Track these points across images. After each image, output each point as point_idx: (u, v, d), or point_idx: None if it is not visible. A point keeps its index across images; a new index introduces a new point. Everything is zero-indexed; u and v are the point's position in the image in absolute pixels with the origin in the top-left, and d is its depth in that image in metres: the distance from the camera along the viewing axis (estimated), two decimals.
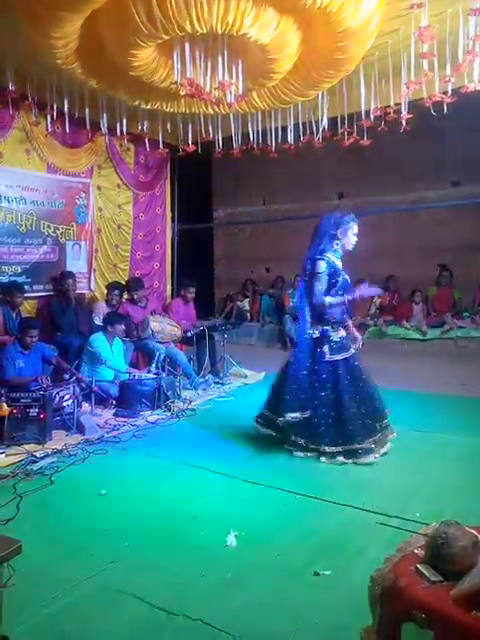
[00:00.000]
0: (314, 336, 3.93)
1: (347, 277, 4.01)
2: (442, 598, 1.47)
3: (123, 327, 5.53)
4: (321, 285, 3.90)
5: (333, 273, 3.92)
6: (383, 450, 3.86)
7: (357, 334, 4.16)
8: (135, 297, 6.41)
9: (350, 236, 3.98)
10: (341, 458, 3.77)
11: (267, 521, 2.96)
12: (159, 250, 8.26)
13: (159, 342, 5.89)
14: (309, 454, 3.85)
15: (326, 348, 3.89)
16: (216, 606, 2.20)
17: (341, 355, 3.92)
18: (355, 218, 4.03)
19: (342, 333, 3.99)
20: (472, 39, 3.87)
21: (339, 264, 3.99)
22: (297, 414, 3.84)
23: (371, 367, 4.17)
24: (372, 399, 3.97)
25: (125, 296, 6.51)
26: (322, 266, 3.89)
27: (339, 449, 3.78)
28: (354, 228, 3.99)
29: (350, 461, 3.75)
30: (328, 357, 3.88)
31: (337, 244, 3.97)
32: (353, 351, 3.99)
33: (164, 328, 5.97)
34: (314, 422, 3.83)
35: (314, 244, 4.03)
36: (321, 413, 3.83)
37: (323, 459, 3.79)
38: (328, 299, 3.88)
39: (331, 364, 3.89)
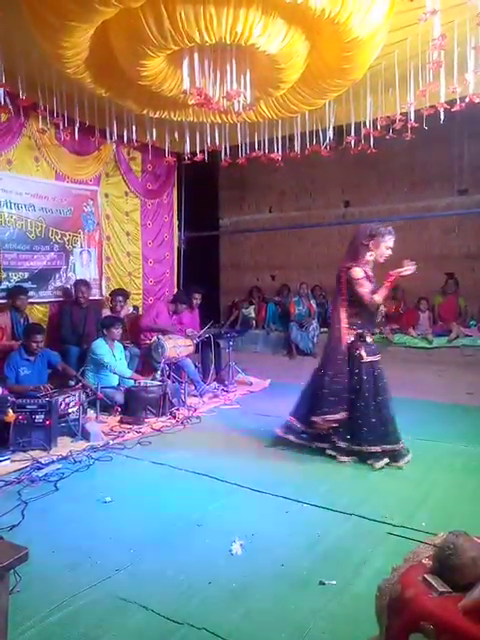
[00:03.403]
0: (350, 340, 3.99)
1: None
2: (450, 609, 1.45)
3: (120, 330, 5.55)
4: (365, 288, 3.91)
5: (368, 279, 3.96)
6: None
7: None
8: (179, 310, 6.51)
9: (383, 249, 3.96)
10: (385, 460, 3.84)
11: (272, 530, 2.94)
12: (168, 257, 8.33)
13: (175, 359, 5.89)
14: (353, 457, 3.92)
15: (363, 351, 3.95)
16: (221, 615, 2.19)
17: (375, 357, 4.02)
18: (391, 231, 3.99)
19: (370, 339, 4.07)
20: (474, 47, 3.90)
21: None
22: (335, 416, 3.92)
23: None
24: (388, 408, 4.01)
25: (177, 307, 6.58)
26: (358, 272, 3.92)
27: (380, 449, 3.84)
28: (388, 241, 3.96)
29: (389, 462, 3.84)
30: (366, 359, 3.95)
31: (370, 255, 3.97)
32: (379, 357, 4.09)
33: (180, 352, 5.92)
34: (358, 423, 3.89)
35: (348, 254, 4.07)
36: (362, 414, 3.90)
37: (369, 461, 3.84)
38: (376, 297, 3.90)
39: (368, 365, 3.97)
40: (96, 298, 6.96)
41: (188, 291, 7.06)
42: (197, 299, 6.82)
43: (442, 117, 4.54)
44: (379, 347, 4.22)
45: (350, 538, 2.83)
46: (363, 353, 3.95)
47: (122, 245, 7.47)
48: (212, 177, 9.56)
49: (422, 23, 3.59)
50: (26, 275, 6.15)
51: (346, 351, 3.98)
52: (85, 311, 6.11)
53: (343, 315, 4.01)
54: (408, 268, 3.81)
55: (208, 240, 9.84)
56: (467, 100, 4.38)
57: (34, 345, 4.78)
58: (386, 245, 3.95)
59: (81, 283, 6.24)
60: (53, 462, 3.89)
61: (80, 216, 6.80)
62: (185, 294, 6.81)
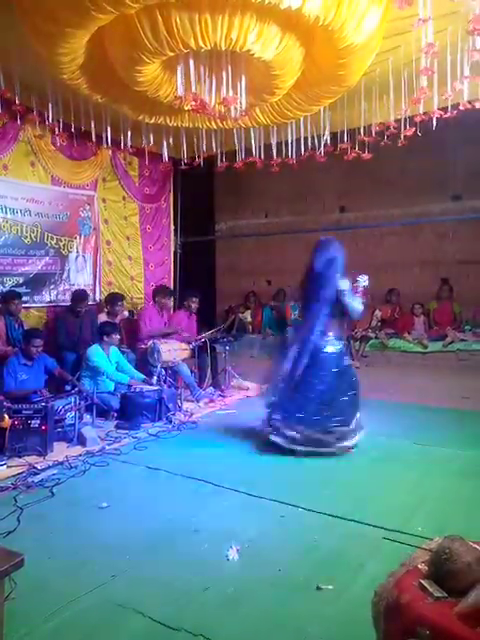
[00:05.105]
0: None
1: None
2: (446, 614, 1.46)
3: (118, 336, 5.54)
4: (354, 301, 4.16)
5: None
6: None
7: None
8: (162, 305, 6.67)
9: None
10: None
11: (269, 535, 2.94)
12: (167, 261, 8.37)
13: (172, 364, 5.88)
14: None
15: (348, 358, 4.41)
16: (218, 621, 2.19)
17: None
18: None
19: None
20: (469, 52, 3.93)
21: None
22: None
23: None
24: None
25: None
26: (346, 284, 4.14)
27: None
28: None
29: None
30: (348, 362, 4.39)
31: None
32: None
33: (175, 356, 5.89)
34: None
35: (331, 266, 4.15)
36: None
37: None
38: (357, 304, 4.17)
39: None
40: (90, 304, 6.94)
41: (183, 295, 7.07)
42: (195, 302, 6.81)
43: (435, 124, 4.57)
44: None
45: (347, 543, 2.83)
46: None
47: (123, 249, 7.50)
48: (208, 182, 9.59)
49: (415, 30, 3.63)
50: (21, 280, 6.14)
51: None
52: (81, 320, 6.08)
53: None
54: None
55: (204, 245, 9.86)
56: (460, 107, 4.43)
57: (34, 350, 4.79)
58: None
59: (81, 297, 6.13)
60: (49, 467, 3.88)
61: (76, 221, 6.80)
62: (165, 288, 6.94)
